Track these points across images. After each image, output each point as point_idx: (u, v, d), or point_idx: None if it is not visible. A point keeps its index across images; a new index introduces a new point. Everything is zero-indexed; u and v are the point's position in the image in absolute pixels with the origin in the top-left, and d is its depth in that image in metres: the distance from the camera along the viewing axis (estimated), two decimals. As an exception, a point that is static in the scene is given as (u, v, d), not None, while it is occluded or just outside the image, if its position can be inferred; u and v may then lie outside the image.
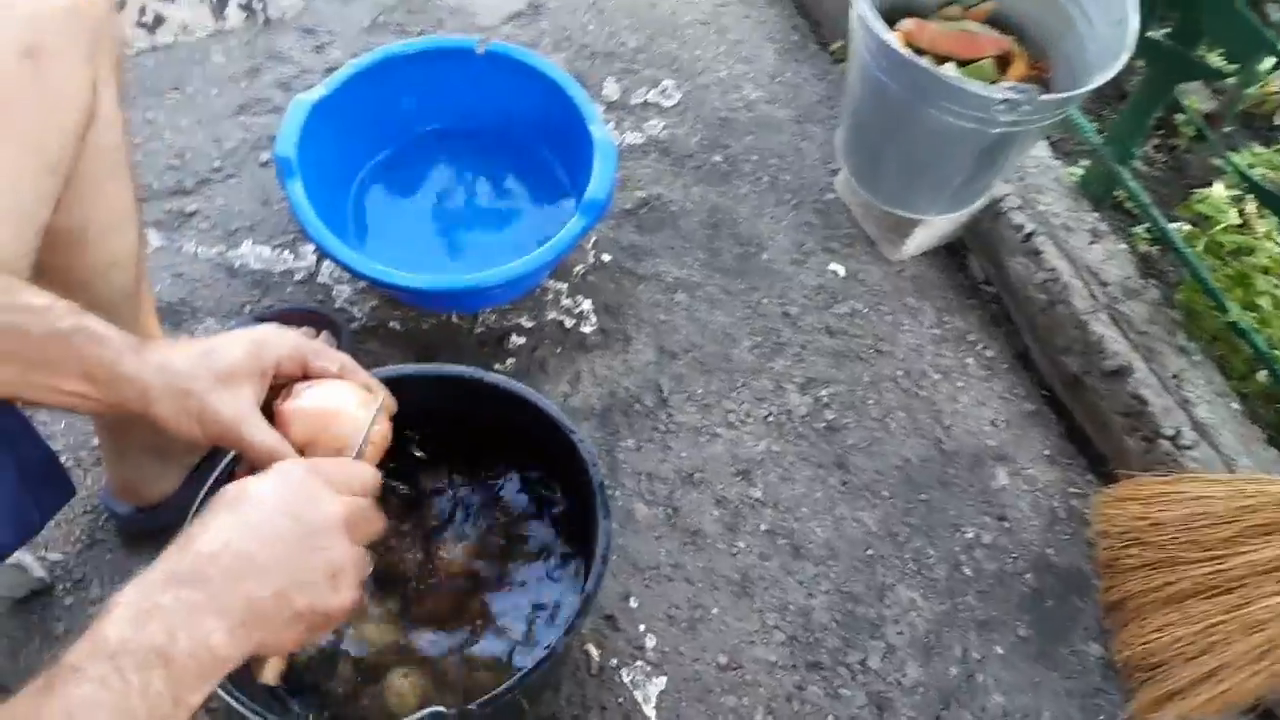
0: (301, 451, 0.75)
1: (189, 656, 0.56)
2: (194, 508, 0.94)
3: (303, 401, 0.77)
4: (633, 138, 1.61)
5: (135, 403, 0.71)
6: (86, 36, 0.76)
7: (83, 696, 0.52)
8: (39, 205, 0.75)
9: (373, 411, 0.79)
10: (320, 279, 1.43)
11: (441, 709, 0.84)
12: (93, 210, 0.87)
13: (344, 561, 0.66)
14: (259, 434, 0.73)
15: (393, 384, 1.01)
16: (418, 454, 1.10)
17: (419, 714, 0.84)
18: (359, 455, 0.77)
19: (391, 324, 1.40)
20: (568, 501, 1.13)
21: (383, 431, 0.80)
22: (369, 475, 0.73)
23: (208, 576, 0.59)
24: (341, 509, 0.67)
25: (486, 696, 0.87)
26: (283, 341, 0.77)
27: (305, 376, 0.79)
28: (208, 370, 0.73)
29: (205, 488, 0.96)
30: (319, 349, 0.79)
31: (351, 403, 0.78)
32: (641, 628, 1.22)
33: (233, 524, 0.62)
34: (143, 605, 0.57)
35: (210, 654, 0.57)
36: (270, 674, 0.69)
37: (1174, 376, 1.32)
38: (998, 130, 1.16)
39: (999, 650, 1.25)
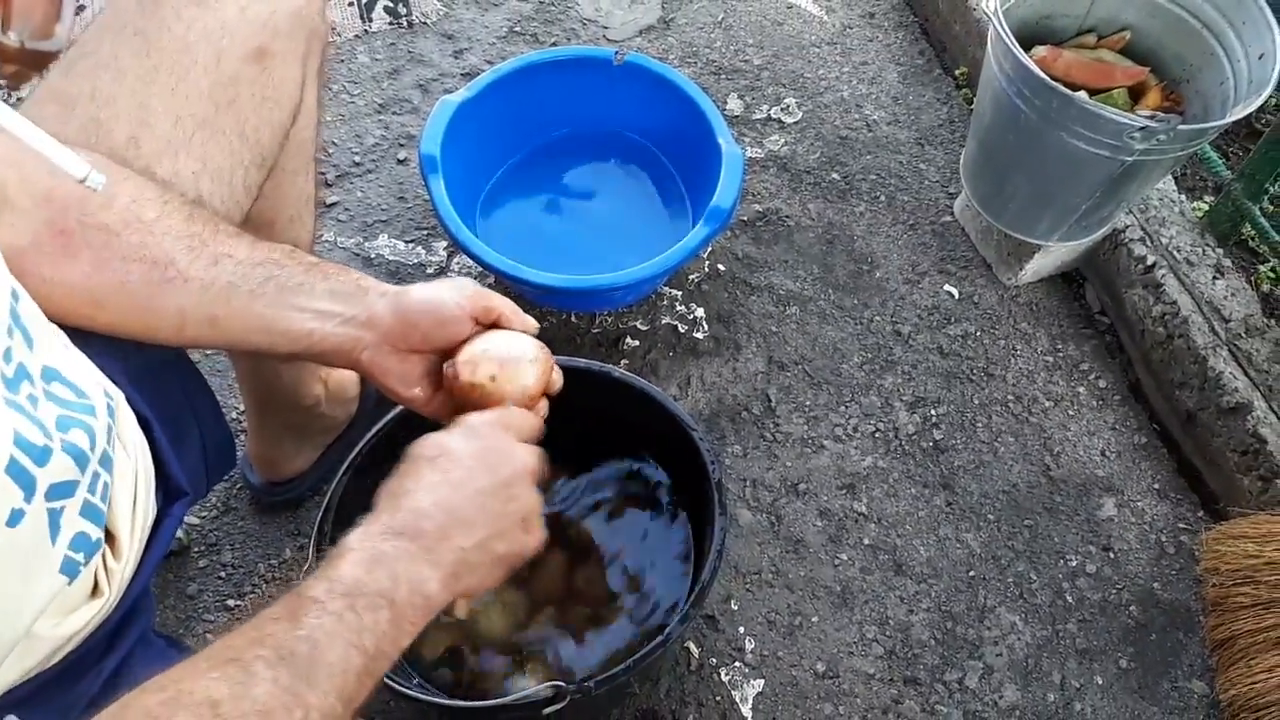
0: (478, 388, 0.78)
1: (407, 602, 0.62)
2: (335, 484, 1.01)
3: (488, 345, 0.79)
4: (753, 152, 1.65)
5: (377, 311, 0.76)
6: (304, 38, 0.83)
7: (323, 626, 0.57)
8: (247, 196, 0.82)
9: (546, 359, 0.82)
10: (450, 273, 1.49)
11: (560, 683, 0.88)
12: (282, 200, 0.94)
13: (533, 506, 0.73)
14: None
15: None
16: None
17: (539, 687, 0.88)
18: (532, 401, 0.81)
19: (514, 320, 1.46)
20: (678, 497, 1.16)
21: (553, 378, 0.83)
22: (537, 424, 0.79)
23: (421, 531, 0.65)
24: (530, 458, 0.73)
25: (602, 675, 0.91)
26: (480, 293, 0.81)
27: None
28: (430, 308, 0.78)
29: (341, 471, 1.02)
30: (499, 302, 0.82)
31: (529, 350, 0.80)
32: (741, 630, 1.25)
33: (438, 482, 0.68)
34: (370, 552, 0.63)
35: (425, 599, 0.63)
36: (462, 609, 0.73)
37: (1296, 418, 1.30)
38: (1129, 159, 1.17)
39: (1099, 680, 1.24)
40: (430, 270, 1.50)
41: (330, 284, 0.76)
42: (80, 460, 0.60)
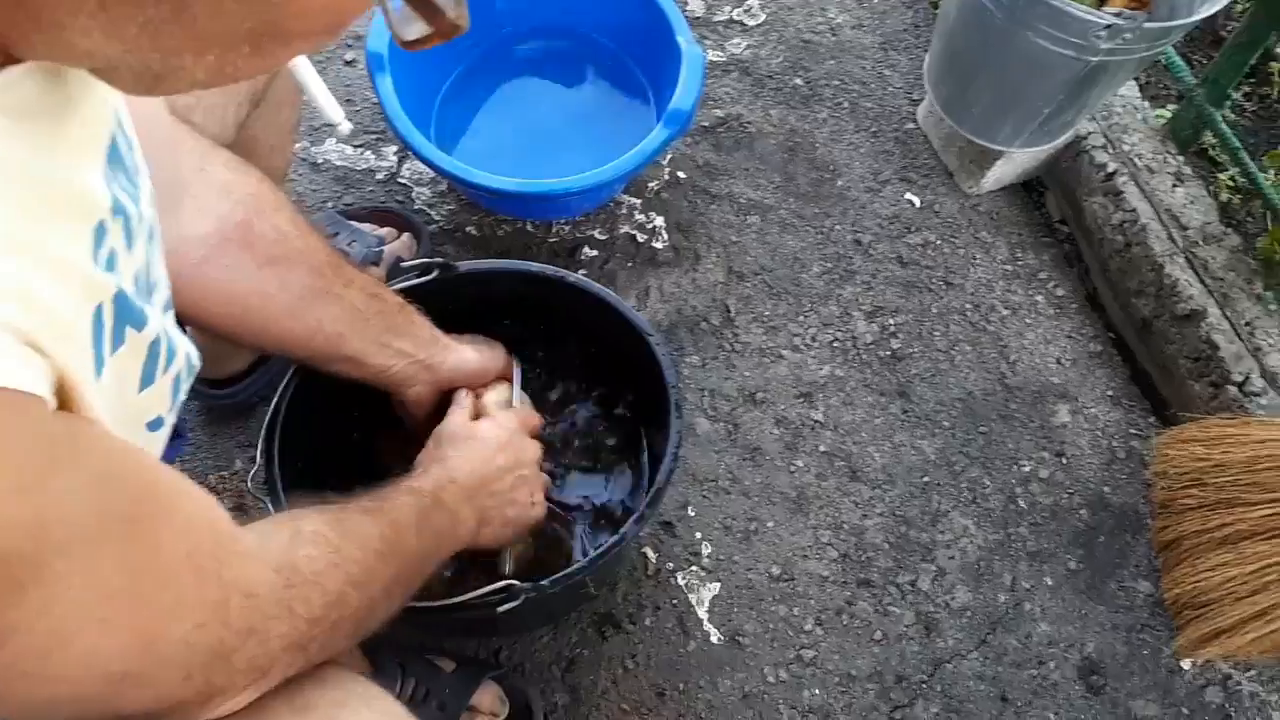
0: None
1: (457, 529, 0.80)
2: (282, 388, 1.00)
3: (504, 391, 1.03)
4: (714, 55, 1.60)
5: (439, 360, 0.94)
6: None
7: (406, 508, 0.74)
8: (235, 129, 0.84)
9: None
10: (401, 179, 1.45)
11: (515, 582, 0.87)
12: (266, 129, 0.93)
13: (538, 485, 0.93)
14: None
15: (479, 277, 1.05)
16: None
17: (493, 586, 0.88)
18: None
19: (468, 228, 1.43)
20: (635, 406, 1.16)
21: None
22: (539, 420, 1.01)
23: (461, 484, 0.83)
24: (537, 450, 0.94)
25: (559, 575, 0.91)
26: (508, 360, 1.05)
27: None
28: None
29: (287, 376, 0.99)
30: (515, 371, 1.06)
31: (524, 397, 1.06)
32: (698, 535, 1.25)
33: (470, 455, 0.87)
34: (433, 486, 0.79)
35: (467, 531, 0.82)
36: (507, 566, 0.98)
37: (1247, 324, 1.31)
38: (1094, 59, 1.15)
39: (1048, 581, 1.27)
40: (380, 176, 1.45)
41: (416, 330, 0.92)
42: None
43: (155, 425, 0.54)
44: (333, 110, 0.64)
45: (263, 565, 0.53)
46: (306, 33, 0.35)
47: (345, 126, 0.66)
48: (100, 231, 0.44)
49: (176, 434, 0.76)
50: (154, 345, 0.50)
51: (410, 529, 0.70)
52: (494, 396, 1.01)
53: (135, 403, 0.50)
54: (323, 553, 0.58)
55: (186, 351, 0.57)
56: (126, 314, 0.46)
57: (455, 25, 0.37)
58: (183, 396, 0.59)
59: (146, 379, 0.51)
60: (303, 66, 0.60)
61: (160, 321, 0.51)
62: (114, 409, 0.45)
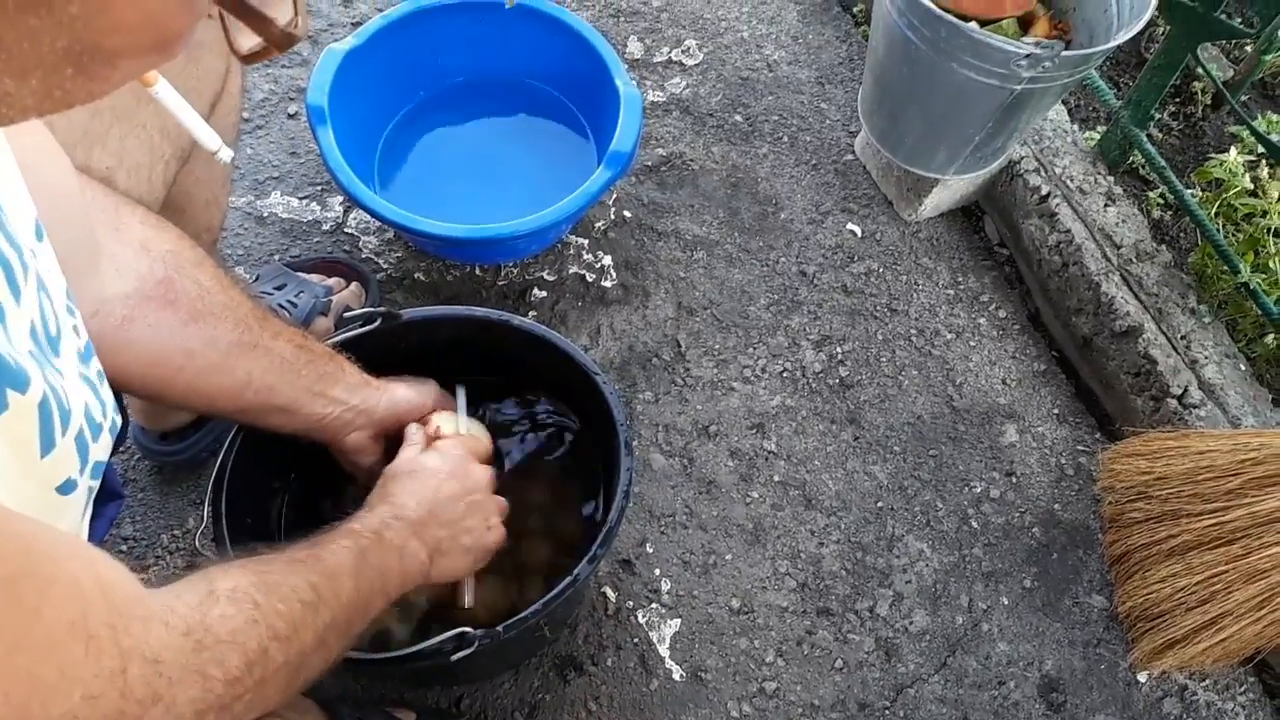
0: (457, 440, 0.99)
1: (406, 565, 0.79)
2: (230, 441, 0.99)
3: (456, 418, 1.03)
4: (655, 96, 1.63)
5: (372, 403, 0.93)
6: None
7: (352, 549, 0.72)
8: (164, 188, 0.83)
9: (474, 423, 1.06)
10: (347, 229, 1.46)
11: (468, 629, 0.87)
12: (198, 185, 0.93)
13: (493, 509, 0.92)
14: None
15: (424, 324, 1.05)
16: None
17: (445, 635, 0.87)
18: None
19: (417, 275, 1.43)
20: (587, 446, 1.16)
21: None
22: (489, 445, 1.01)
23: (409, 518, 0.82)
24: (486, 474, 0.93)
25: (512, 620, 0.90)
26: (442, 394, 1.04)
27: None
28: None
29: (234, 430, 0.99)
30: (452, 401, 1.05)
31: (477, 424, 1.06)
32: (657, 572, 1.26)
33: (417, 488, 0.86)
34: (376, 525, 0.78)
35: (419, 565, 0.81)
36: (467, 599, 0.97)
37: (1183, 337, 1.35)
38: (1018, 87, 1.18)
39: (1004, 601, 1.28)
40: (326, 226, 1.45)
41: (347, 377, 0.91)
42: (113, 439, 0.61)
43: (66, 488, 0.53)
44: (208, 137, 0.64)
45: (168, 629, 0.51)
46: (130, 50, 0.33)
47: (225, 153, 0.65)
48: None
49: (113, 495, 0.75)
50: (43, 407, 0.49)
51: (346, 574, 0.69)
52: (448, 425, 1.01)
53: (40, 469, 0.49)
54: (240, 610, 0.56)
55: (85, 405, 0.55)
56: (1, 376, 0.45)
57: (288, 35, 0.37)
58: (99, 456, 0.57)
59: (47, 444, 0.49)
60: (167, 94, 0.59)
61: (44, 382, 0.50)
62: (11, 477, 0.44)
